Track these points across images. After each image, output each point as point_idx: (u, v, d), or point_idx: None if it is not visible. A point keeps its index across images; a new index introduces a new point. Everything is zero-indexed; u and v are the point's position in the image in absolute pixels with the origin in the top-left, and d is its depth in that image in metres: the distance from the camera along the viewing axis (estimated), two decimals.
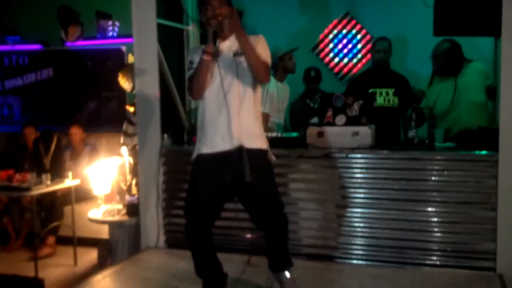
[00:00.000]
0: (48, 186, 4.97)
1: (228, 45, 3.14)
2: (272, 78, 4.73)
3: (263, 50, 3.12)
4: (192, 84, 3.09)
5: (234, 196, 3.23)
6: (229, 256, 3.61)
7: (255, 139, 3.14)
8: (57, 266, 5.08)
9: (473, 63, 4.49)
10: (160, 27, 4.35)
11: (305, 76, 5.35)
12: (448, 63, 4.42)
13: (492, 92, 4.38)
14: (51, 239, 5.42)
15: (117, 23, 6.31)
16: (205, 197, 3.10)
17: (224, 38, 3.12)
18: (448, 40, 4.40)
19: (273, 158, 3.22)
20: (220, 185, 3.09)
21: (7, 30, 6.71)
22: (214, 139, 3.10)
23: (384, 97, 4.69)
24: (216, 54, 3.05)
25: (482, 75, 4.46)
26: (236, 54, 3.11)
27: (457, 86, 4.39)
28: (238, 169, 3.02)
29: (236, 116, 3.07)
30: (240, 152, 3.04)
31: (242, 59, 3.08)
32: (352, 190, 3.90)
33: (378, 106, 4.62)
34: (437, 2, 3.87)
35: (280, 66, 4.98)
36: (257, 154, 3.11)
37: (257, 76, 3.08)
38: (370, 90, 4.64)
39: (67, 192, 5.28)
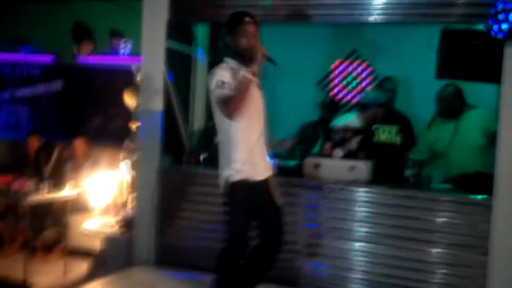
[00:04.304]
0: (46, 195, 5.01)
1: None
2: None
3: None
4: (234, 104, 3.11)
5: None
6: None
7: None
8: (48, 274, 5.08)
9: (476, 109, 4.56)
10: (169, 49, 4.45)
11: (321, 104, 5.39)
12: (451, 107, 4.50)
13: (492, 138, 4.42)
14: (59, 246, 5.47)
15: (129, 43, 6.42)
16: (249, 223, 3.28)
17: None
18: (452, 84, 4.49)
19: None
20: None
21: (20, 40, 6.84)
22: (259, 166, 3.31)
23: (387, 134, 4.76)
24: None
25: (483, 120, 4.49)
26: None
27: (457, 130, 4.45)
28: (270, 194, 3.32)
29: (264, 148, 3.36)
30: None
31: None
32: (345, 222, 3.93)
33: (381, 143, 4.68)
34: (441, 46, 3.96)
35: None
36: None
37: None
38: (374, 126, 4.71)
39: (64, 203, 5.31)
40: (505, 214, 3.61)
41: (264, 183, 3.32)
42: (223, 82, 3.17)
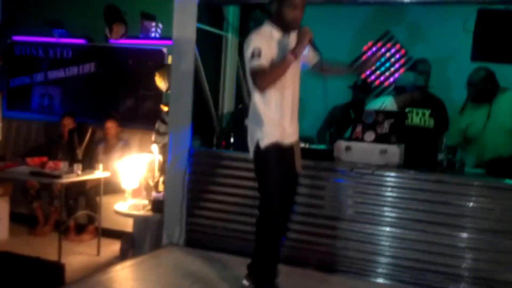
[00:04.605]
0: (79, 176, 5.10)
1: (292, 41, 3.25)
2: None
3: None
4: (268, 80, 3.10)
5: None
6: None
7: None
8: (81, 254, 5.21)
9: (509, 91, 4.45)
10: (200, 31, 4.45)
11: (353, 85, 5.33)
12: (483, 91, 4.40)
13: None
14: (92, 227, 5.61)
15: (160, 25, 6.45)
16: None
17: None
18: (483, 68, 4.38)
19: None
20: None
21: (53, 23, 6.93)
22: (288, 131, 3.29)
23: (421, 117, 4.68)
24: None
25: None
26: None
27: (490, 113, 4.36)
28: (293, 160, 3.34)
29: (295, 113, 3.35)
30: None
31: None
32: (375, 207, 3.90)
33: (414, 126, 4.61)
34: (477, 28, 3.85)
35: None
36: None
37: None
38: (407, 109, 4.64)
39: (96, 184, 5.41)
40: None
41: (290, 148, 3.32)
42: (259, 52, 3.10)
